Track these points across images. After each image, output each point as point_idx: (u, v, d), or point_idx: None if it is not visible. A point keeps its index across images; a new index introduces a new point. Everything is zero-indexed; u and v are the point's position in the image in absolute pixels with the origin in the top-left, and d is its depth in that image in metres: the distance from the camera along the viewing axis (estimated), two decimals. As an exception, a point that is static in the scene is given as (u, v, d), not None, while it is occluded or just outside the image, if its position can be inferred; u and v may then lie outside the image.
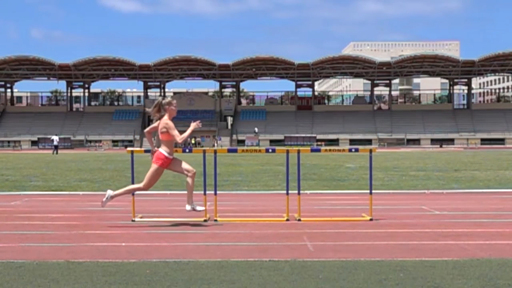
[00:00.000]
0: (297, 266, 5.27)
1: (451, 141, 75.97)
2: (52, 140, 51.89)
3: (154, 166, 7.79)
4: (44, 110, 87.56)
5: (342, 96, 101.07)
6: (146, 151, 9.06)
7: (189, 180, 7.78)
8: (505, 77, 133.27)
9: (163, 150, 7.77)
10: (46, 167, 23.77)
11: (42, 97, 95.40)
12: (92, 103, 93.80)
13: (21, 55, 78.49)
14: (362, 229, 7.43)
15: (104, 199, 7.99)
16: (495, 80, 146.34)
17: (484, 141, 75.69)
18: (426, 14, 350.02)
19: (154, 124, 7.92)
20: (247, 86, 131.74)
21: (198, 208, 7.86)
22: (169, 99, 7.97)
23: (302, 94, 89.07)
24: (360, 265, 5.28)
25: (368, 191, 8.62)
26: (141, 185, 7.93)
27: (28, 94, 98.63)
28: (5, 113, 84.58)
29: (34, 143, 76.36)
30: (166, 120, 7.79)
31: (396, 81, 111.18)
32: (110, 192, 8.02)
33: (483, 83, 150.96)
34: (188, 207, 7.85)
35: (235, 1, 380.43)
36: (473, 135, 77.16)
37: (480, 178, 16.08)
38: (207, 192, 8.28)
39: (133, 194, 8.32)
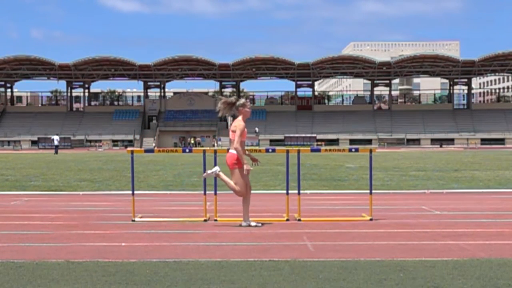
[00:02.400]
0: (297, 266, 5.27)
1: (451, 141, 75.96)
2: (53, 140, 51.90)
3: (234, 171, 7.60)
4: (44, 110, 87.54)
5: (342, 96, 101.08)
6: (146, 151, 9.06)
7: (243, 199, 7.65)
8: (505, 77, 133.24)
9: (234, 151, 7.62)
10: (46, 167, 23.77)
11: (42, 97, 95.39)
12: (92, 103, 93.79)
13: (21, 55, 78.47)
14: (362, 229, 7.43)
15: (210, 171, 7.77)
16: (495, 80, 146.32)
17: (484, 141, 75.68)
18: (426, 14, 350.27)
19: (238, 134, 7.64)
20: (247, 86, 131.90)
21: (253, 224, 7.66)
22: (243, 100, 7.88)
23: (302, 94, 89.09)
24: (360, 265, 5.28)
25: (368, 191, 8.63)
26: (238, 192, 7.65)
27: (28, 94, 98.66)
28: (5, 113, 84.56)
29: (34, 143, 76.35)
30: (239, 120, 7.70)
31: (396, 81, 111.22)
32: (217, 168, 7.77)
33: (483, 83, 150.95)
34: (244, 224, 7.68)
35: (235, 1, 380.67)
36: (473, 135, 77.14)
37: (480, 178, 16.08)
38: (207, 192, 8.28)
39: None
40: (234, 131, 7.63)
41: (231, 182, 7.69)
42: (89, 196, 11.94)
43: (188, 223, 8.00)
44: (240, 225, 7.68)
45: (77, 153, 49.33)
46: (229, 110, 7.82)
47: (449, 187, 13.37)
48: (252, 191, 12.62)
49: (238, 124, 7.63)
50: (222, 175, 7.80)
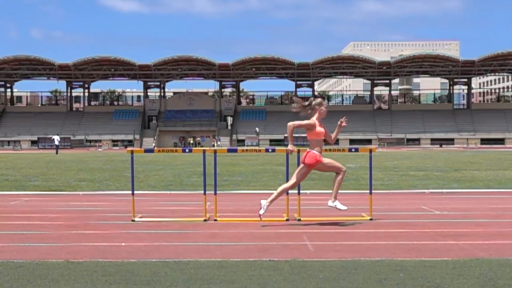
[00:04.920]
0: (297, 266, 5.27)
1: (451, 141, 75.96)
2: (53, 140, 51.88)
3: (305, 167, 7.74)
4: (44, 110, 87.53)
5: (342, 96, 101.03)
6: (146, 151, 9.06)
7: (339, 177, 7.77)
8: (505, 77, 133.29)
9: (316, 151, 7.70)
10: (46, 167, 23.77)
11: (42, 97, 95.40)
12: (92, 103, 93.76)
13: (21, 55, 78.48)
14: (362, 229, 7.44)
15: (261, 211, 7.76)
16: (495, 80, 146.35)
17: (484, 141, 75.68)
18: (426, 14, 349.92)
19: (301, 122, 7.81)
20: (247, 86, 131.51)
21: (340, 207, 7.81)
22: (319, 99, 7.92)
23: (302, 94, 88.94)
24: (360, 265, 5.28)
25: (368, 191, 8.62)
26: (289, 184, 7.86)
27: (28, 94, 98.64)
28: (5, 113, 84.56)
29: (34, 143, 76.37)
30: (313, 119, 7.77)
31: (396, 81, 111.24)
32: (264, 202, 7.77)
33: (483, 83, 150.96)
34: (330, 203, 7.82)
35: (235, 1, 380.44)
36: (473, 135, 77.15)
37: (480, 178, 16.07)
38: (207, 192, 8.28)
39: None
40: (309, 129, 7.70)
41: (280, 190, 7.86)
42: (89, 196, 11.94)
43: (188, 223, 8.00)
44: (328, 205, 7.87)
45: (77, 153, 49.32)
46: (305, 111, 7.88)
47: (449, 187, 13.36)
48: (252, 191, 12.67)
49: (309, 123, 7.72)
50: (269, 199, 7.85)
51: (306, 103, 7.88)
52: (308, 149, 7.82)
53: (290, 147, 7.81)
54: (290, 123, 7.74)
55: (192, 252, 5.99)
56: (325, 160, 7.75)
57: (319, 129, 7.73)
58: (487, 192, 12.23)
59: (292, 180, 7.88)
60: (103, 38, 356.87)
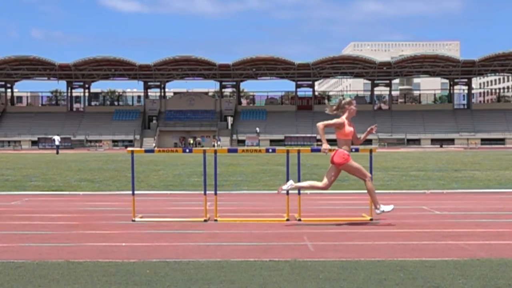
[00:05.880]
0: (297, 266, 5.27)
1: (451, 141, 75.92)
2: (54, 140, 51.87)
3: (334, 166, 7.77)
4: (44, 110, 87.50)
5: (342, 96, 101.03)
6: (146, 151, 9.06)
7: (369, 185, 7.76)
8: (505, 77, 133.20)
9: (345, 150, 7.71)
10: (46, 167, 23.77)
11: (42, 97, 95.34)
12: (92, 103, 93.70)
13: (21, 55, 78.44)
14: (362, 229, 7.44)
15: (284, 186, 7.89)
16: (495, 80, 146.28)
17: (484, 141, 75.64)
18: (426, 14, 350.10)
19: (330, 121, 7.83)
20: (247, 86, 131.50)
21: (387, 208, 7.78)
22: (349, 99, 7.99)
23: (302, 94, 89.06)
24: (360, 265, 5.28)
25: (368, 191, 8.61)
26: (320, 184, 7.91)
27: (28, 94, 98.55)
28: (5, 113, 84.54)
29: (34, 143, 76.33)
30: (343, 117, 7.79)
31: (396, 81, 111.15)
32: (291, 182, 7.87)
33: (483, 83, 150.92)
34: (377, 211, 7.79)
35: (235, 1, 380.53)
36: (473, 135, 77.12)
37: (480, 178, 16.07)
38: (207, 192, 8.28)
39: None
40: (338, 128, 7.73)
41: (312, 183, 7.93)
42: (89, 196, 11.94)
43: (188, 223, 8.00)
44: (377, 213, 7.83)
45: (77, 153, 49.32)
46: (337, 110, 7.90)
47: (449, 187, 13.36)
48: (252, 191, 12.67)
49: (338, 122, 7.74)
50: (297, 184, 7.93)
51: (335, 106, 7.94)
52: (336, 148, 7.83)
53: (324, 146, 7.75)
54: (320, 123, 7.76)
55: (192, 252, 5.99)
56: (354, 163, 7.75)
57: (348, 128, 7.75)
58: (487, 192, 12.23)
59: (323, 181, 7.91)
60: (103, 38, 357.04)
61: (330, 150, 7.77)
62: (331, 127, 7.82)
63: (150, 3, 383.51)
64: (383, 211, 7.77)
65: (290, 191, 8.21)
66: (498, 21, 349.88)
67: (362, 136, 8.07)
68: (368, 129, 7.98)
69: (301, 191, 8.67)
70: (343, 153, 7.69)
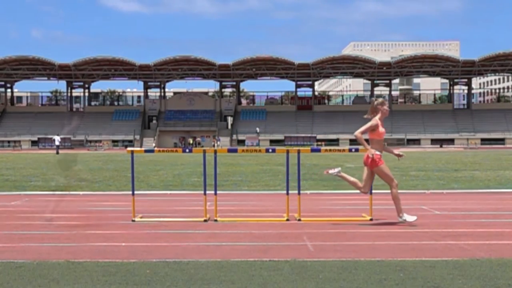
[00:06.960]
0: (297, 266, 5.27)
1: (451, 141, 75.92)
2: (54, 140, 51.86)
3: (368, 168, 7.82)
4: (44, 110, 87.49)
5: (342, 96, 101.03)
6: (146, 151, 9.06)
7: (394, 192, 7.81)
8: (505, 77, 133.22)
9: (377, 151, 7.74)
10: (46, 167, 23.77)
11: (42, 97, 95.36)
12: (92, 103, 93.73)
13: (21, 55, 78.43)
14: (362, 229, 7.44)
15: (330, 171, 8.02)
16: (495, 80, 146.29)
17: (484, 141, 75.64)
18: (426, 14, 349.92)
19: (365, 127, 7.78)
20: (247, 86, 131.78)
21: (409, 219, 7.75)
22: (381, 99, 8.05)
23: (302, 94, 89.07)
24: (360, 265, 5.28)
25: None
26: (360, 184, 7.94)
27: (28, 94, 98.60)
28: (5, 113, 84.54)
29: (34, 143, 76.33)
30: (376, 118, 7.81)
31: (396, 81, 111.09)
32: (338, 169, 8.00)
33: (483, 83, 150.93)
34: (399, 219, 7.78)
35: (235, 1, 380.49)
36: (473, 135, 77.13)
37: (480, 178, 16.08)
38: (207, 192, 8.28)
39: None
40: (373, 129, 7.76)
41: (355, 180, 7.96)
42: (89, 196, 11.94)
43: (188, 223, 8.00)
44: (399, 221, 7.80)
45: (77, 153, 49.31)
46: (373, 112, 7.93)
47: (449, 187, 13.37)
48: (252, 191, 12.67)
49: (371, 123, 7.76)
50: (343, 174, 8.03)
51: (369, 109, 7.97)
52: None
53: (371, 151, 7.71)
54: (357, 132, 7.70)
55: (192, 252, 5.99)
56: (385, 166, 7.78)
57: (382, 129, 7.79)
58: (487, 192, 12.24)
59: (362, 182, 7.95)
60: (103, 38, 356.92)
61: (377, 154, 7.74)
62: (367, 131, 7.82)
63: (150, 3, 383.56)
64: (405, 220, 7.76)
65: (290, 191, 8.20)
66: (498, 21, 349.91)
67: (387, 147, 8.11)
68: (397, 153, 8.07)
69: (301, 191, 8.67)
70: (376, 155, 7.70)
